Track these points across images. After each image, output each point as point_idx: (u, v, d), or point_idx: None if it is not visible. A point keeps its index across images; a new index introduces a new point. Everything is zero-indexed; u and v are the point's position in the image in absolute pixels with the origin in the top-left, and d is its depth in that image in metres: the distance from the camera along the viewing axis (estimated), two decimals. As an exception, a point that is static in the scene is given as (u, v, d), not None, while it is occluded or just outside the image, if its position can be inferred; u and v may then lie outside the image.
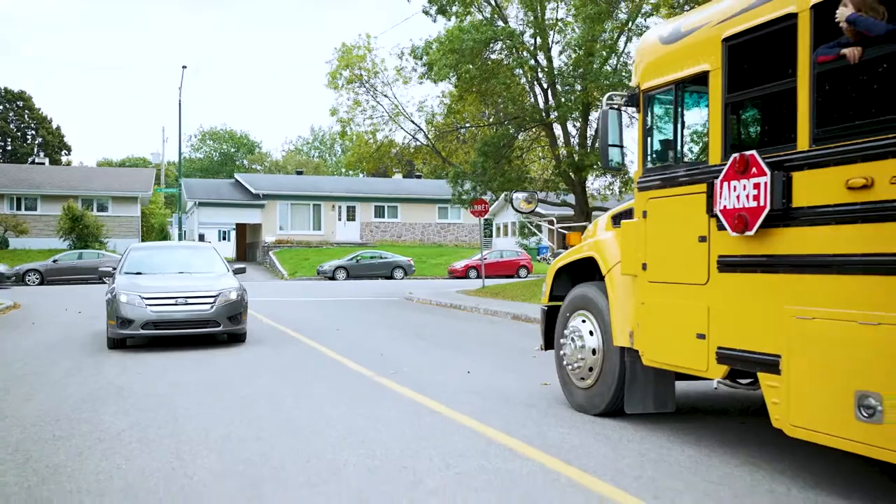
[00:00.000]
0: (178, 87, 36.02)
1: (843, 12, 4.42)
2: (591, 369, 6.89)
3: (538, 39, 25.62)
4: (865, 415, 4.33)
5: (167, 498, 4.70)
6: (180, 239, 42.25)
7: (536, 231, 32.26)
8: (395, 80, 26.86)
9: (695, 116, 5.99)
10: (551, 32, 25.71)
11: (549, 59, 25.86)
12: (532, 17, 25.60)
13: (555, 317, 7.63)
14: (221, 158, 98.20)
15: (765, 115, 5.81)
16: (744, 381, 5.80)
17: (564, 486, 4.90)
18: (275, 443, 6.03)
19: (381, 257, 40.77)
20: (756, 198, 4.97)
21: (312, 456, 5.63)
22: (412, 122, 27.82)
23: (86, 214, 43.74)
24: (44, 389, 8.55)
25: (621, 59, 25.33)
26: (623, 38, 25.33)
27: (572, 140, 26.28)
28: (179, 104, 38.69)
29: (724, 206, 5.25)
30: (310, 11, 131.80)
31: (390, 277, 39.21)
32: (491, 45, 24.16)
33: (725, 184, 5.24)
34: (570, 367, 7.16)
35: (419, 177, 57.89)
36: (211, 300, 12.08)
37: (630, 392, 6.56)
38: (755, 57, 5.34)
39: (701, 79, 5.65)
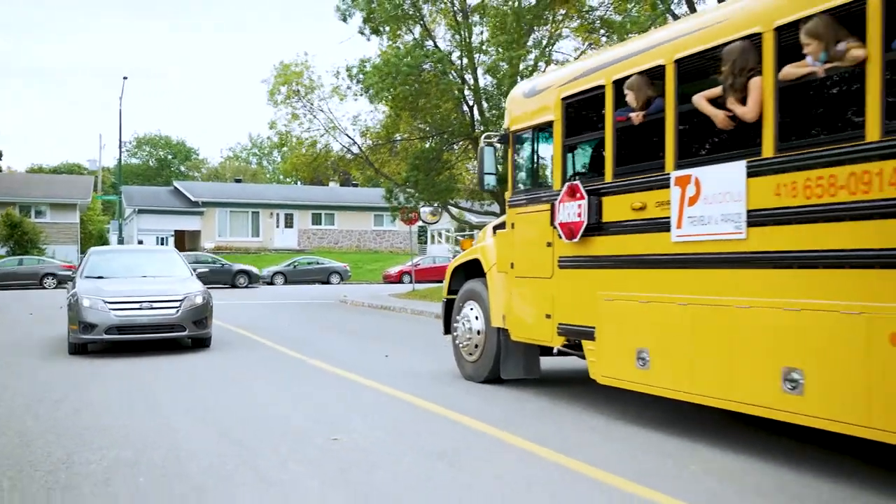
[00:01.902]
0: (119, 97, 36.98)
1: (629, 95, 6.44)
2: (476, 346, 8.83)
3: (465, 60, 27.65)
4: (641, 365, 6.34)
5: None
6: (119, 245, 43.08)
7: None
8: (332, 96, 28.58)
9: (546, 153, 7.96)
10: (477, 55, 27.77)
11: (476, 79, 27.92)
12: (459, 40, 27.65)
13: (451, 308, 9.55)
14: (158, 165, 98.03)
15: (587, 156, 7.81)
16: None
17: (451, 423, 6.87)
18: (248, 409, 7.82)
19: (318, 263, 42.25)
20: (579, 214, 6.96)
21: (273, 413, 7.45)
22: (347, 135, 29.57)
23: (24, 221, 44.21)
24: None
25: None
26: (544, 60, 27.61)
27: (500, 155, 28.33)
28: (120, 114, 39.83)
29: (561, 221, 7.23)
30: (249, 22, 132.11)
31: (327, 282, 40.70)
32: (422, 65, 26.07)
33: (561, 204, 7.23)
34: (461, 345, 9.09)
35: (355, 185, 59.45)
36: (177, 304, 11.93)
37: (505, 363, 8.52)
38: (581, 113, 7.36)
39: (548, 126, 7.64)
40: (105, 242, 57.96)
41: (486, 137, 8.69)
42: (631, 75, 6.50)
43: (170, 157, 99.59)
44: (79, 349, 11.95)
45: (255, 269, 38.62)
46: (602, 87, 6.84)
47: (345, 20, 27.80)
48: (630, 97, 6.51)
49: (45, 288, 35.48)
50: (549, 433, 6.42)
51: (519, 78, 26.33)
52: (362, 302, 25.27)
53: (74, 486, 5.07)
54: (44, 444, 6.15)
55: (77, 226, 50.54)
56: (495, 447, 6.06)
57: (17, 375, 9.89)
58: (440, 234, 58.38)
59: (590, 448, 5.92)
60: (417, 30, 28.12)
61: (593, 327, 6.89)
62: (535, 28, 25.46)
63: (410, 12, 27.04)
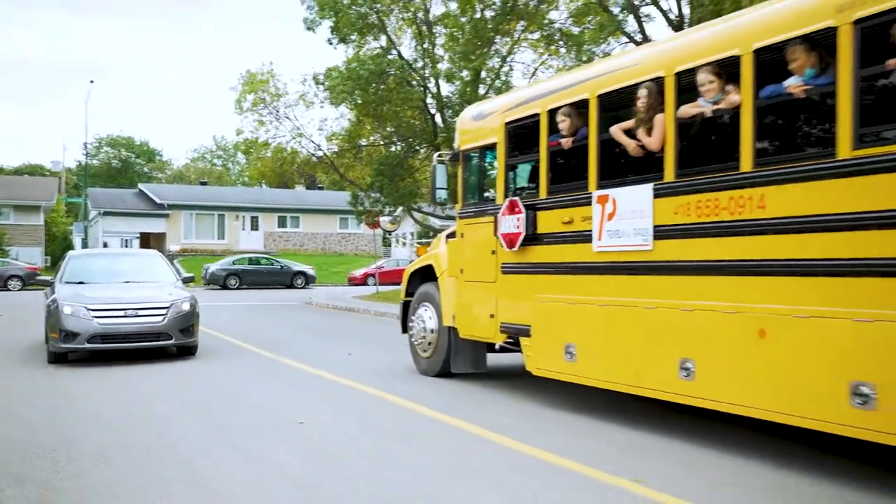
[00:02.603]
0: (85, 101, 37.25)
1: (560, 123, 7.42)
2: (430, 344, 9.77)
3: (428, 70, 28.61)
4: (569, 358, 7.33)
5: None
6: (84, 247, 43.35)
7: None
8: (298, 103, 29.36)
9: (490, 171, 8.93)
10: (440, 64, 28.74)
11: (438, 87, 28.89)
12: (422, 49, 28.60)
13: (408, 308, 10.48)
14: (121, 166, 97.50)
15: (526, 175, 8.78)
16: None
17: (407, 411, 7.81)
18: (231, 400, 8.69)
19: (284, 265, 42.77)
20: (518, 226, 7.93)
21: (253, 402, 8.35)
22: (313, 142, 30.37)
23: (-14, 223, 44.26)
24: None
25: (505, 85, 28.54)
26: (506, 67, 28.73)
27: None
28: (86, 118, 39.96)
29: (503, 232, 8.20)
30: (210, 24, 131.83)
31: (291, 286, 41.19)
32: (386, 72, 26.95)
33: (503, 217, 8.19)
34: (416, 343, 10.03)
35: (321, 188, 60.15)
36: (163, 311, 11.49)
37: (455, 358, 9.47)
38: (521, 137, 8.33)
39: (493, 147, 8.62)
40: (69, 245, 57.98)
41: (438, 156, 9.64)
42: (562, 106, 7.49)
43: (133, 158, 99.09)
44: (59, 358, 11.40)
45: (311, 271, 40.01)
46: (538, 115, 7.82)
47: (312, 30, 28.63)
48: (561, 125, 7.50)
49: (9, 290, 35.73)
50: (489, 418, 7.38)
51: (481, 86, 27.45)
52: (327, 304, 26.08)
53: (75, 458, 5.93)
54: (42, 428, 6.98)
55: (42, 228, 50.63)
56: (443, 429, 7.01)
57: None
58: (404, 237, 59.26)
59: (521, 430, 6.87)
60: (383, 38, 29.03)
61: (529, 326, 7.87)
62: (493, 40, 26.46)
63: (375, 22, 27.92)
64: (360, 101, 25.56)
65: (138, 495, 5.09)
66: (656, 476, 5.37)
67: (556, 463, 5.79)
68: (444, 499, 5.01)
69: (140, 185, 60.32)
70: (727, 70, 5.89)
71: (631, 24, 22.59)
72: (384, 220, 10.45)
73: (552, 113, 7.63)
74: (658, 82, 6.44)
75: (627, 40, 22.86)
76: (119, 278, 12.77)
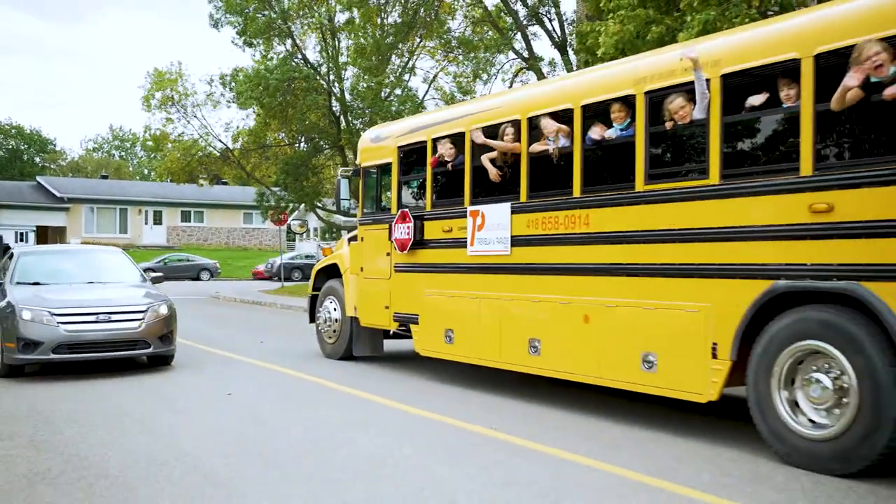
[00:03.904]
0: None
1: (442, 149, 9.14)
2: (335, 331, 11.38)
3: (332, 75, 29.98)
4: (448, 341, 9.08)
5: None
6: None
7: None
8: (205, 103, 30.28)
9: (387, 186, 10.59)
10: (344, 70, 30.15)
11: (342, 91, 30.29)
12: (327, 56, 29.94)
13: (315, 301, 12.04)
14: (9, 155, 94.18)
15: (415, 190, 10.48)
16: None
17: (314, 384, 9.39)
18: (168, 381, 10.06)
19: (188, 260, 43.35)
20: (408, 233, 9.63)
21: (189, 382, 9.74)
22: (220, 141, 31.33)
23: None
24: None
25: (406, 89, 30.16)
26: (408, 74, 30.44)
27: (361, 161, 30.86)
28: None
29: (396, 237, 9.87)
30: (92, 12, 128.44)
31: (197, 279, 41.86)
32: (292, 78, 28.17)
33: (396, 225, 9.87)
34: (323, 331, 11.63)
35: (225, 183, 60.41)
36: (139, 316, 10.24)
37: (356, 344, 11.11)
38: (411, 159, 10.03)
39: (388, 166, 10.28)
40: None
41: (342, 171, 11.27)
42: (443, 136, 9.22)
43: (23, 147, 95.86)
44: (13, 371, 10.12)
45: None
46: (424, 142, 9.53)
47: (217, 28, 29.59)
48: (443, 151, 9.21)
49: None
50: (385, 389, 9.05)
51: (384, 91, 29.02)
52: (234, 297, 27.21)
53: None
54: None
55: (-68, 221, 49.27)
56: (347, 398, 8.64)
57: None
58: (308, 232, 60.22)
59: (409, 397, 8.57)
60: (289, 42, 30.21)
61: (418, 315, 9.59)
62: (394, 53, 28.08)
63: (282, 27, 29.10)
64: (266, 105, 26.74)
65: None
66: (509, 426, 7.14)
67: (434, 418, 7.53)
68: (357, 439, 6.64)
69: (38, 178, 59.26)
70: (564, 118, 7.72)
71: (520, 42, 24.63)
72: (293, 223, 11.71)
73: (435, 141, 9.34)
74: (515, 123, 8.23)
75: (516, 56, 24.91)
76: (79, 278, 11.34)
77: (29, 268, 11.40)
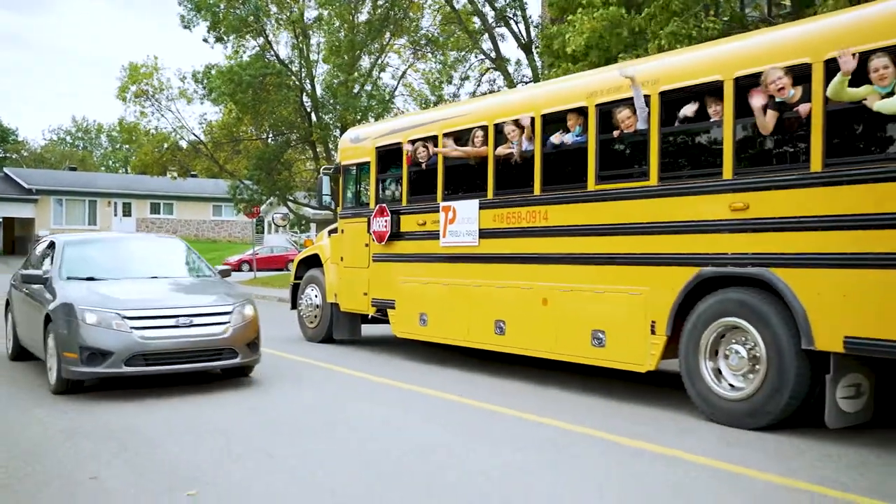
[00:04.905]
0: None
1: (418, 151, 10.11)
2: (316, 316, 12.31)
3: (304, 71, 30.75)
4: (422, 323, 10.07)
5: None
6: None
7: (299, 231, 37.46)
8: (179, 98, 30.91)
9: (365, 183, 11.54)
10: (315, 67, 30.95)
11: (314, 87, 31.08)
12: (298, 51, 30.71)
13: (297, 289, 12.96)
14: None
15: (391, 187, 11.43)
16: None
17: (300, 363, 10.33)
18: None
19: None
20: (385, 226, 10.59)
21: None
22: (194, 134, 32.00)
23: None
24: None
25: (376, 85, 31.02)
26: (377, 69, 31.31)
27: (333, 155, 31.72)
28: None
29: (374, 230, 10.82)
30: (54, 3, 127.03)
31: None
32: (265, 74, 28.90)
33: (374, 218, 10.82)
34: (305, 316, 12.56)
35: (195, 176, 60.71)
36: (225, 319, 8.62)
37: (336, 328, 12.06)
38: (388, 159, 10.98)
39: (366, 165, 11.24)
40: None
41: (324, 169, 12.22)
42: (418, 139, 10.18)
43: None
44: (74, 387, 8.33)
45: None
46: (400, 143, 10.49)
47: (188, 28, 30.19)
48: (418, 152, 10.17)
49: None
50: (365, 366, 10.03)
51: (357, 85, 29.86)
52: (209, 288, 27.84)
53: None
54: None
55: None
56: (333, 373, 9.60)
57: None
58: (287, 226, 60.75)
59: (388, 372, 9.55)
60: (261, 40, 30.91)
61: (394, 300, 10.56)
62: (365, 51, 28.95)
63: (253, 24, 29.79)
64: (240, 101, 27.48)
65: None
66: (479, 394, 8.15)
67: (408, 388, 8.53)
68: (345, 406, 7.62)
69: (6, 169, 59.07)
70: (526, 126, 8.73)
71: (487, 42, 25.64)
72: (276, 217, 12.53)
73: (412, 142, 10.31)
74: (484, 128, 9.23)
75: (484, 56, 25.92)
76: (140, 272, 9.55)
77: (79, 260, 9.47)
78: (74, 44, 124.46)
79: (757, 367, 6.53)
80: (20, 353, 10.65)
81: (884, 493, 4.93)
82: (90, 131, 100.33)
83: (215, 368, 8.83)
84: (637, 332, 7.44)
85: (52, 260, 9.60)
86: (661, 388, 8.41)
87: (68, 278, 9.01)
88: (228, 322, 8.62)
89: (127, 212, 54.97)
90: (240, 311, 8.82)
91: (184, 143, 32.72)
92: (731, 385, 6.77)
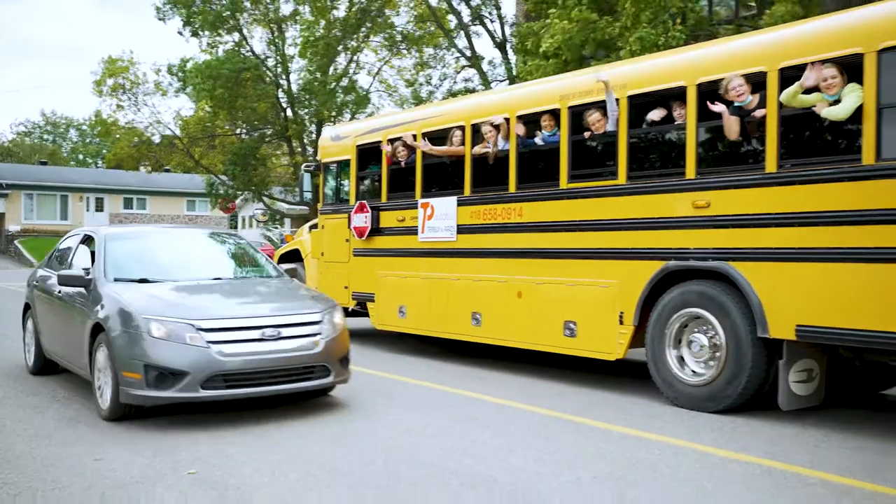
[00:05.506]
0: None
1: (397, 149, 10.48)
2: (297, 310, 12.63)
3: (279, 67, 30.98)
4: (401, 315, 10.46)
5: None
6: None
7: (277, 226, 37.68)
8: (155, 92, 30.98)
9: (345, 180, 11.90)
10: (291, 63, 31.19)
11: (290, 83, 31.32)
12: (274, 47, 30.94)
13: (278, 282, 13.27)
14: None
15: (371, 184, 11.79)
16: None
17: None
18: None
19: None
20: (366, 222, 10.95)
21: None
22: (169, 129, 32.08)
23: None
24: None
25: (351, 81, 31.30)
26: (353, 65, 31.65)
27: (308, 151, 31.98)
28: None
29: (355, 225, 11.18)
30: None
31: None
32: (241, 67, 29.08)
33: (355, 214, 11.18)
34: (286, 309, 12.88)
35: (168, 171, 60.55)
36: (316, 329, 7.12)
37: (317, 320, 12.38)
38: (368, 156, 11.34)
39: (347, 162, 11.59)
40: None
41: (305, 166, 12.56)
42: (398, 138, 10.55)
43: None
44: (131, 412, 6.78)
45: None
46: (380, 141, 10.86)
47: (163, 21, 30.26)
48: (398, 151, 10.55)
49: None
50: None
51: (335, 83, 30.15)
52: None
53: (57, 387, 8.33)
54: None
55: None
56: (312, 365, 9.94)
57: None
58: (251, 219, 60.75)
59: (371, 363, 9.93)
60: (236, 35, 31.09)
61: (374, 294, 10.94)
62: (342, 47, 29.24)
63: (229, 19, 29.94)
64: (218, 97, 27.65)
65: None
66: (456, 383, 8.56)
67: (392, 378, 8.92)
68: (344, 396, 8.00)
69: (-26, 164, 58.46)
70: (502, 126, 9.14)
71: (463, 40, 26.03)
72: (256, 213, 12.86)
73: (391, 141, 10.68)
74: (462, 128, 9.63)
75: (460, 55, 26.31)
76: (200, 273, 8.00)
77: (126, 257, 7.91)
78: (40, 34, 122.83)
79: (717, 354, 7.00)
80: (44, 367, 9.06)
81: (826, 467, 5.41)
82: (59, 125, 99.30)
83: (306, 389, 7.15)
84: (607, 322, 7.89)
85: (91, 257, 8.10)
86: (629, 377, 8.88)
87: (116, 280, 7.40)
88: (319, 333, 7.08)
89: (99, 207, 54.66)
90: (329, 320, 7.28)
91: (157, 139, 32.79)
92: (693, 371, 7.24)
